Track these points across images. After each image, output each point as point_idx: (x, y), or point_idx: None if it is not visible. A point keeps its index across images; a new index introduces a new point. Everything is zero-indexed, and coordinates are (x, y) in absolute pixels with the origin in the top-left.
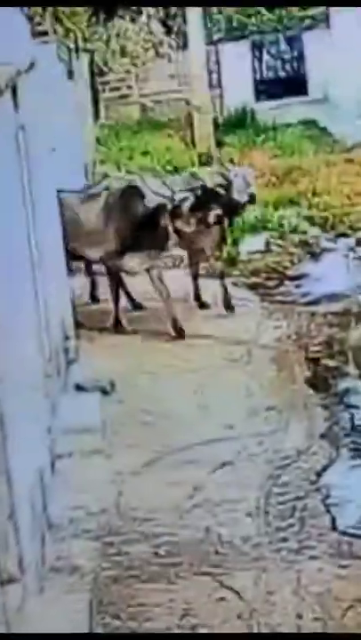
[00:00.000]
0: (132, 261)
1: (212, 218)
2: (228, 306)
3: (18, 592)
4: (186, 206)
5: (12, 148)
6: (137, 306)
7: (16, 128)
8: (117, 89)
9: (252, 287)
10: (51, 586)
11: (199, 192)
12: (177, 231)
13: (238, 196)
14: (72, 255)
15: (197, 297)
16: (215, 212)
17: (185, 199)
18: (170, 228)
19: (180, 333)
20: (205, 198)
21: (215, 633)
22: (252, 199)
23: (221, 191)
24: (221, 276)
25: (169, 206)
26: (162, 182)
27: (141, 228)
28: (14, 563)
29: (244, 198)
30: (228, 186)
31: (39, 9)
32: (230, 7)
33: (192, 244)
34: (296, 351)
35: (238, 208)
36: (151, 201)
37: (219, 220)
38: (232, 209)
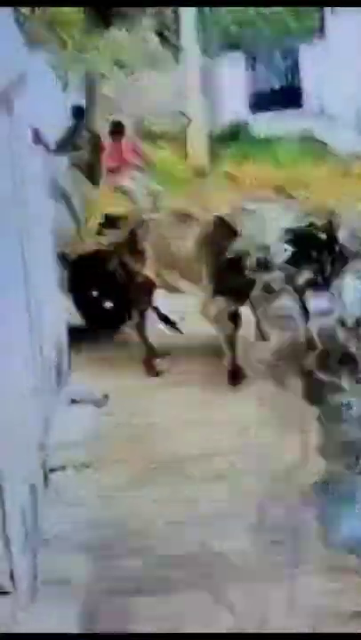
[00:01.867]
0: (223, 303)
1: (301, 281)
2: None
3: (9, 605)
4: (280, 261)
5: (6, 160)
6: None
7: (9, 140)
8: (111, 100)
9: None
10: (42, 598)
11: (297, 247)
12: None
13: (348, 243)
14: (147, 282)
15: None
16: (307, 275)
17: (281, 252)
18: (258, 281)
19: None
20: (303, 254)
21: (214, 633)
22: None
23: (322, 236)
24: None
25: (259, 255)
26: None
27: (227, 271)
28: (6, 576)
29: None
30: (332, 230)
31: (34, 18)
32: (226, 6)
33: None
34: (291, 364)
35: (345, 261)
36: (242, 244)
37: (309, 284)
38: (336, 259)
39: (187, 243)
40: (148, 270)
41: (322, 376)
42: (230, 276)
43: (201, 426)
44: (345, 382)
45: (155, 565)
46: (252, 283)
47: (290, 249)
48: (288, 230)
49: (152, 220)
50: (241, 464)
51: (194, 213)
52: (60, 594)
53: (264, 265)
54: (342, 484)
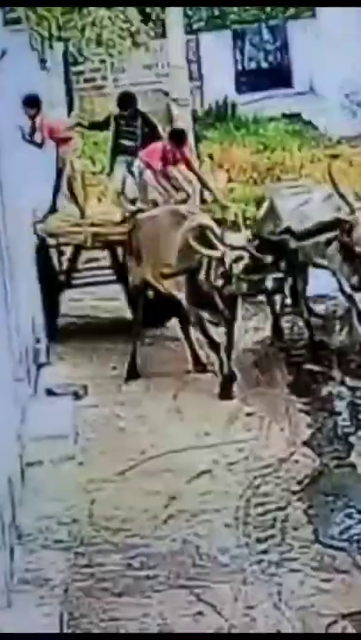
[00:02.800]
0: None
1: (270, 283)
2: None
3: None
4: (239, 269)
5: None
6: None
7: None
8: (92, 79)
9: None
10: (20, 599)
11: (256, 247)
12: (223, 296)
13: None
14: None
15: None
16: (273, 275)
17: (238, 259)
18: (216, 297)
19: None
20: (267, 253)
21: (215, 633)
22: None
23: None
24: None
25: (220, 269)
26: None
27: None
28: None
29: None
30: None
31: None
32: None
33: None
34: (278, 355)
35: None
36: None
37: (278, 288)
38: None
39: (175, 245)
40: (145, 273)
41: (312, 367)
42: (193, 287)
43: (186, 419)
44: (335, 372)
45: (137, 563)
46: (212, 298)
47: (246, 256)
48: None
49: (145, 219)
50: (227, 458)
51: (187, 213)
52: (38, 593)
53: (223, 275)
54: (333, 478)
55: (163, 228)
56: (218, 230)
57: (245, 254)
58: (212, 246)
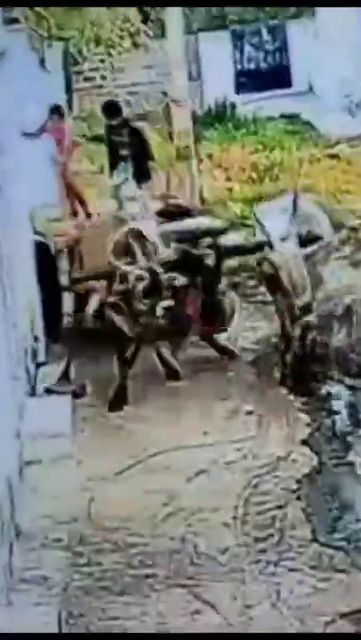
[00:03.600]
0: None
1: (159, 311)
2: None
3: None
4: (139, 290)
5: None
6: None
7: None
8: (91, 79)
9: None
10: (18, 597)
11: (158, 268)
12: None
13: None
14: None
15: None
16: (165, 302)
17: (139, 279)
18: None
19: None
20: (165, 277)
21: (215, 633)
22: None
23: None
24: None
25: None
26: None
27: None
28: None
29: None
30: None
31: None
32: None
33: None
34: (277, 354)
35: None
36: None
37: (174, 319)
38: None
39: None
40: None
41: (310, 366)
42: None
43: (184, 418)
44: (334, 372)
45: (135, 562)
46: None
47: (148, 277)
48: None
49: (89, 227)
50: (225, 457)
51: (128, 218)
52: (37, 592)
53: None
54: (331, 477)
55: (103, 235)
56: (153, 238)
57: (146, 275)
58: (132, 256)
